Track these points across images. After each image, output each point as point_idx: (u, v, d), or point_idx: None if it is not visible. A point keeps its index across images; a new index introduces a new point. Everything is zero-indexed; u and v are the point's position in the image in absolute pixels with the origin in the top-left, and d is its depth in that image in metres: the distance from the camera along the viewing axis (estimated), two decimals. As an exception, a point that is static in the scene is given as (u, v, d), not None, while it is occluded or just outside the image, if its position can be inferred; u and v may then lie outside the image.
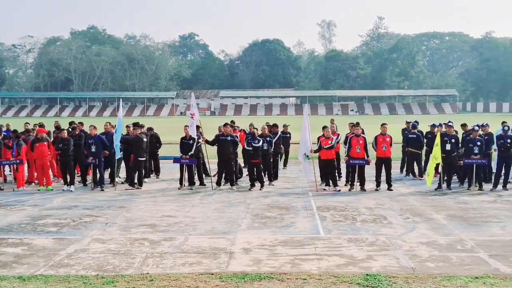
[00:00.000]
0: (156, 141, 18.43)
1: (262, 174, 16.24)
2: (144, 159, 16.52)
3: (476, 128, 16.00)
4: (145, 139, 16.67)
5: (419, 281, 7.66)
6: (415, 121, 18.63)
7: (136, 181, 16.35)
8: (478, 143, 15.56)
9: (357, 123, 16.85)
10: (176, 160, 16.66)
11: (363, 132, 16.86)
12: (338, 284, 7.54)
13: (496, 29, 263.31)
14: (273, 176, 17.34)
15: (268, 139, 16.46)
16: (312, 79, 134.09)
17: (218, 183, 16.28)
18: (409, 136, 18.06)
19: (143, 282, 7.66)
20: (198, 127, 16.83)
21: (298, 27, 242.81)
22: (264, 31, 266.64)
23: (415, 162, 18.29)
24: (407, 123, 19.33)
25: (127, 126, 17.84)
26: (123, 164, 17.61)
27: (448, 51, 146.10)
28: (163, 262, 8.63)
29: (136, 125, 17.19)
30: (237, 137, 16.97)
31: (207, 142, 16.31)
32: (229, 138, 16.14)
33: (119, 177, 17.56)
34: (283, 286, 7.49)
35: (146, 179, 17.42)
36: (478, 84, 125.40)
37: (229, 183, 16.31)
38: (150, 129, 18.35)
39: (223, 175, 16.47)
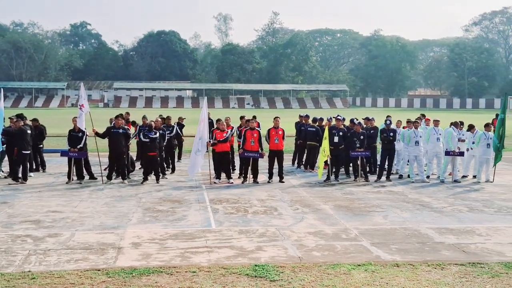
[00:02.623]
0: (40, 133, 17.56)
1: (158, 167, 16.02)
2: (29, 152, 15.73)
3: (356, 121, 16.88)
4: (29, 131, 15.86)
5: (305, 269, 7.88)
6: (331, 117, 18.96)
7: (20, 175, 15.53)
8: (361, 137, 16.26)
9: (253, 117, 17.06)
10: (63, 153, 16.02)
11: (258, 126, 17.10)
12: (227, 275, 7.59)
13: (383, 27, 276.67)
14: (171, 169, 17.20)
15: (161, 132, 16.23)
16: (209, 72, 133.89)
17: (109, 177, 15.85)
18: (308, 129, 18.47)
19: (25, 281, 7.29)
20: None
21: (194, 20, 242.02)
22: (159, 22, 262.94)
23: (310, 155, 18.65)
24: (301, 117, 19.82)
25: (10, 118, 16.87)
26: (6, 158, 16.67)
27: (339, 47, 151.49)
28: (46, 259, 8.27)
29: (19, 116, 16.30)
30: (129, 130, 16.59)
31: (97, 134, 15.80)
32: (121, 130, 15.76)
33: (2, 171, 16.64)
34: (172, 279, 7.43)
35: (32, 173, 16.62)
36: (367, 80, 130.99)
37: (120, 177, 15.92)
38: (34, 120, 17.49)
39: (114, 168, 16.05)
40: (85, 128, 15.90)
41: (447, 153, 16.27)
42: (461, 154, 16.47)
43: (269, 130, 16.43)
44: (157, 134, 15.77)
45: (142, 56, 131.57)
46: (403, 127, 17.41)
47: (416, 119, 17.74)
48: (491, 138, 16.35)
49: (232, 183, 15.81)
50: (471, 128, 17.20)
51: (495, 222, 11.07)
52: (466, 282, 7.42)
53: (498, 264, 8.20)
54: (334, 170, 16.49)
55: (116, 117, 16.15)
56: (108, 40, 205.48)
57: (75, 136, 15.77)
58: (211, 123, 21.08)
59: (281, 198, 13.55)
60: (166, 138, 16.84)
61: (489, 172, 16.47)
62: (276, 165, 16.19)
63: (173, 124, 18.60)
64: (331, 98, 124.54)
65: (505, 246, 9.28)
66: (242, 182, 15.94)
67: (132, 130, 17.90)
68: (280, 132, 16.25)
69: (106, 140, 16.03)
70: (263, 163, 16.92)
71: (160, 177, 16.07)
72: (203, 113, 16.00)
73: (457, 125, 17.01)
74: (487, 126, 16.75)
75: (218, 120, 16.92)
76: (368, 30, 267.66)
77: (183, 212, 11.76)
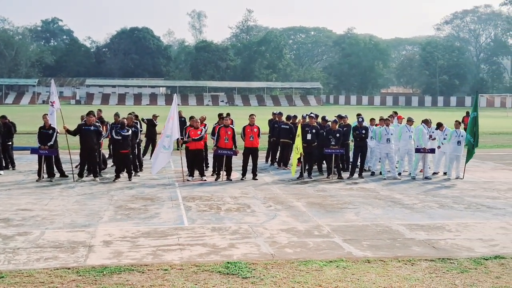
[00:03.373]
0: (8, 131, 17.25)
1: (131, 165, 15.89)
2: (-2, 149, 15.46)
3: (327, 118, 16.99)
4: (-2, 128, 15.59)
5: (278, 266, 7.91)
6: (306, 115, 18.88)
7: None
8: (337, 135, 16.35)
9: (228, 114, 17.02)
10: (33, 150, 15.78)
11: (232, 123, 17.07)
12: (199, 273, 7.57)
13: (357, 26, 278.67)
14: (138, 166, 17.03)
15: (133, 129, 16.09)
16: (183, 69, 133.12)
17: (80, 175, 15.66)
18: (282, 126, 18.49)
19: (-8, 281, 7.17)
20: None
21: (168, 17, 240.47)
22: (133, 19, 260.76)
23: (284, 152, 18.66)
24: (274, 114, 19.85)
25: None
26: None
27: (313, 45, 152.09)
28: (16, 258, 8.14)
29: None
30: (100, 127, 16.40)
31: (68, 132, 15.58)
32: (92, 128, 15.57)
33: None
34: (144, 277, 7.38)
35: (1, 171, 16.34)
36: (340, 78, 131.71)
37: (92, 175, 15.74)
38: (3, 117, 17.19)
39: (86, 166, 15.88)
40: (56, 125, 15.68)
41: (418, 150, 16.47)
42: (432, 151, 16.69)
43: (244, 128, 16.41)
44: (130, 132, 15.64)
45: (115, 53, 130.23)
46: (376, 125, 17.57)
47: (388, 116, 17.91)
48: (462, 136, 16.59)
49: (205, 180, 15.76)
50: (439, 126, 17.42)
51: (465, 218, 11.24)
52: (436, 278, 7.52)
53: (467, 260, 8.33)
54: (307, 167, 16.56)
55: (88, 114, 15.96)
56: (80, 37, 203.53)
57: (46, 133, 15.55)
58: (183, 121, 20.99)
59: (254, 196, 13.56)
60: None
61: (459, 169, 16.72)
62: (250, 162, 16.18)
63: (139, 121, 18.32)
64: (305, 95, 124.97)
65: (474, 242, 9.43)
66: (216, 180, 15.91)
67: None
68: (256, 130, 16.24)
69: (77, 138, 15.82)
70: (237, 161, 16.91)
71: (133, 174, 15.94)
72: (172, 110, 15.87)
73: (428, 122, 17.22)
74: (457, 123, 16.99)
75: (191, 118, 16.84)
76: (342, 28, 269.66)
77: (156, 210, 11.69)
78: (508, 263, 8.18)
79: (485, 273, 7.71)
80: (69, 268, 7.68)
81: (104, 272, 7.52)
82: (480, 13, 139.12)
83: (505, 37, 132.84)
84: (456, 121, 17.23)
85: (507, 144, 28.96)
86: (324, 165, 17.40)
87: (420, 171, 16.83)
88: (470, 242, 9.41)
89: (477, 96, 17.64)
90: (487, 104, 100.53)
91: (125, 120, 16.12)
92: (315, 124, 16.83)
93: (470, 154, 16.60)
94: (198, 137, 15.80)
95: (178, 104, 16.89)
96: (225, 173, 15.95)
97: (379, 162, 17.36)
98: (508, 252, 8.77)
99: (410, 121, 16.98)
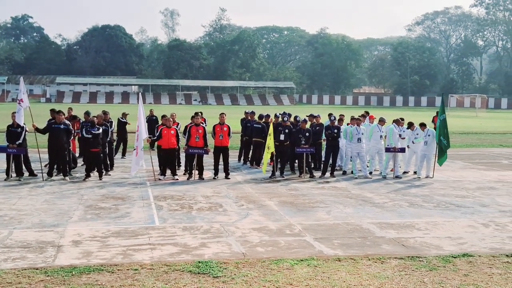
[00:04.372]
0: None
1: (101, 164, 15.71)
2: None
3: (298, 118, 17.08)
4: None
5: (249, 265, 7.90)
6: (279, 114, 18.90)
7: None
8: (307, 134, 16.43)
9: (200, 113, 16.95)
10: (1, 149, 15.50)
11: (205, 122, 17.01)
12: (170, 272, 7.52)
13: (330, 26, 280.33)
14: (109, 165, 16.85)
15: (103, 127, 15.92)
16: (155, 68, 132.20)
17: (50, 174, 15.43)
18: (254, 126, 18.49)
19: (-43, 282, 7.02)
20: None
21: (140, 15, 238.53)
22: (104, 16, 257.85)
23: (256, 151, 18.65)
24: (246, 113, 19.85)
25: None
26: None
27: (286, 45, 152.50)
28: (-18, 259, 7.98)
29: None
30: (70, 125, 16.17)
31: (37, 130, 15.34)
32: (62, 126, 15.35)
33: None
34: (113, 278, 7.31)
35: (-32, 170, 16.01)
36: (313, 77, 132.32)
37: (61, 174, 15.52)
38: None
39: (55, 165, 15.65)
40: (24, 124, 15.43)
41: (388, 149, 16.63)
42: (402, 150, 16.86)
43: (214, 126, 16.37)
44: (100, 130, 15.47)
45: (86, 51, 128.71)
46: (347, 124, 17.69)
47: (359, 116, 18.06)
48: (429, 135, 16.76)
49: (177, 179, 15.69)
50: (410, 125, 17.61)
51: (434, 217, 11.39)
52: (405, 276, 7.60)
53: (436, 258, 8.44)
54: (279, 166, 16.61)
55: (58, 112, 15.73)
56: (51, 34, 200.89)
57: (14, 132, 15.28)
58: (155, 120, 20.81)
59: (226, 195, 13.54)
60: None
61: (429, 168, 16.93)
62: (222, 162, 16.14)
63: (111, 120, 18.13)
64: (278, 95, 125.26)
65: (442, 240, 9.57)
66: (188, 179, 15.84)
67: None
68: (225, 129, 16.20)
69: (46, 136, 15.59)
70: (209, 160, 16.86)
71: (103, 173, 15.78)
72: (140, 110, 15.73)
73: (399, 122, 17.40)
74: (422, 125, 17.19)
75: (163, 116, 16.73)
76: (315, 28, 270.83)
77: (126, 209, 11.58)
78: (476, 261, 8.31)
79: (454, 271, 7.82)
80: (37, 269, 7.56)
81: (73, 272, 7.43)
82: (451, 15, 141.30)
83: (475, 38, 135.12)
84: (421, 123, 17.42)
85: (476, 143, 29.46)
86: (296, 164, 17.44)
87: (391, 170, 17.00)
88: (439, 240, 9.54)
89: (443, 98, 17.75)
90: (457, 104, 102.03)
91: (95, 118, 15.94)
92: (288, 124, 16.88)
93: (444, 156, 16.67)
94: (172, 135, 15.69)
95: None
96: (197, 172, 15.89)
97: (351, 161, 17.49)
98: (476, 250, 8.91)
99: (382, 121, 17.17)
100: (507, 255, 8.61)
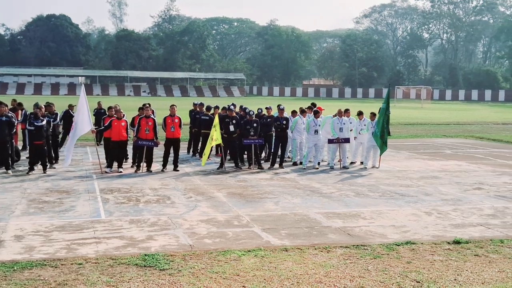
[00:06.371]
0: None
1: (46, 156, 15.32)
2: None
3: (248, 110, 17.10)
4: None
5: (196, 257, 7.88)
6: (233, 104, 18.82)
7: None
8: (254, 125, 16.47)
9: (148, 104, 16.74)
10: None
11: (153, 113, 16.81)
12: (115, 266, 7.42)
13: (279, 17, 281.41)
14: (54, 158, 16.46)
15: (47, 119, 15.51)
16: (103, 59, 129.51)
17: (-9, 167, 14.96)
18: (202, 117, 18.39)
19: None
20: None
21: (87, 4, 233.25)
22: (49, 6, 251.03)
23: (205, 143, 18.51)
24: (195, 105, 19.75)
25: None
26: None
27: (236, 36, 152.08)
28: None
29: None
30: (13, 117, 15.69)
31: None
32: (4, 118, 14.89)
33: None
34: (57, 272, 7.15)
35: None
36: (263, 69, 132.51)
37: (4, 167, 15.05)
38: None
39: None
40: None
41: (330, 141, 16.80)
42: (347, 141, 17.03)
43: (165, 118, 16.19)
44: (44, 122, 15.08)
45: (30, 41, 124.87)
46: (292, 115, 17.90)
47: (306, 108, 18.27)
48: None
49: (121, 172, 15.45)
50: (360, 114, 17.85)
51: (379, 206, 11.63)
52: (350, 264, 7.74)
53: (380, 246, 8.62)
54: (229, 158, 16.61)
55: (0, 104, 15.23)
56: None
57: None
58: (104, 112, 20.44)
59: (174, 187, 13.44)
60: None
61: (375, 158, 17.26)
62: (171, 153, 16.01)
63: (56, 112, 17.70)
64: (228, 86, 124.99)
65: (387, 228, 9.78)
66: (135, 171, 15.64)
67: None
68: (177, 120, 16.06)
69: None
70: (157, 152, 16.69)
71: (48, 166, 15.40)
72: (81, 101, 15.42)
73: (341, 113, 17.46)
74: (372, 115, 17.47)
75: (110, 108, 16.45)
76: (265, 19, 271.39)
77: (71, 203, 11.35)
78: (418, 249, 8.53)
79: (397, 258, 8.01)
80: (-24, 265, 7.33)
81: (15, 268, 7.24)
82: (397, 7, 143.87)
83: (421, 31, 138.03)
84: (372, 112, 17.72)
85: (421, 134, 30.22)
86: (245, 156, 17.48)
87: (339, 161, 17.23)
88: (383, 228, 9.75)
89: (389, 90, 17.99)
90: (403, 95, 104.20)
91: (38, 110, 15.51)
92: (234, 114, 16.89)
93: (380, 145, 16.79)
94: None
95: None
96: (145, 164, 15.70)
97: (300, 152, 17.62)
98: (418, 238, 9.15)
99: (316, 113, 17.22)
100: (448, 242, 8.88)
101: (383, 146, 16.84)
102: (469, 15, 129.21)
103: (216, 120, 15.83)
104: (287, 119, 17.05)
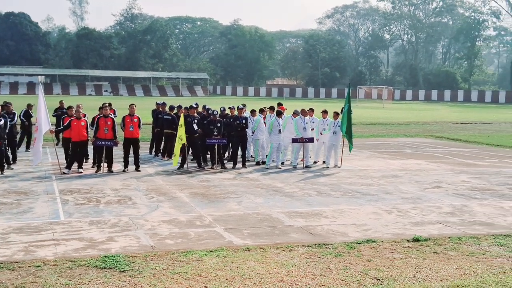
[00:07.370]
0: None
1: (3, 157, 14.94)
2: None
3: (211, 111, 17.03)
4: None
5: (157, 258, 7.81)
6: (196, 104, 18.65)
7: None
8: (218, 125, 16.43)
9: (109, 104, 16.51)
10: None
11: (115, 113, 16.58)
12: (74, 268, 7.29)
13: (243, 17, 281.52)
14: (12, 159, 16.08)
15: (3, 119, 15.12)
16: (63, 57, 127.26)
17: None
18: (165, 117, 18.23)
19: None
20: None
21: (47, 2, 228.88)
22: (8, 3, 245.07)
23: (168, 143, 18.39)
24: (157, 104, 19.58)
25: None
26: None
27: (199, 35, 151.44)
28: None
29: None
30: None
31: None
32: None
33: None
34: (14, 275, 6.99)
35: None
36: (227, 69, 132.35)
37: (-41, 168, 14.65)
38: None
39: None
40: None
41: (294, 140, 16.89)
42: (310, 140, 17.16)
43: (124, 118, 15.99)
44: (1, 122, 14.72)
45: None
46: (251, 114, 18.01)
47: (268, 108, 18.35)
48: (338, 126, 17.22)
49: (81, 172, 15.21)
50: (324, 113, 17.99)
51: (341, 205, 11.73)
52: (312, 263, 7.78)
53: (342, 244, 8.70)
54: (192, 158, 16.52)
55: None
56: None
57: None
58: (65, 112, 20.04)
59: (136, 187, 13.30)
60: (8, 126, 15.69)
61: (337, 158, 17.41)
62: (132, 154, 15.83)
63: (14, 111, 17.31)
64: (192, 86, 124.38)
65: (348, 227, 9.88)
66: (96, 172, 15.42)
67: None
68: (136, 120, 15.89)
69: None
70: (118, 152, 16.49)
71: (5, 167, 15.04)
72: (40, 100, 15.14)
73: (305, 113, 17.57)
74: (335, 114, 17.62)
75: (70, 107, 16.18)
76: (228, 19, 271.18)
77: (29, 204, 11.12)
78: (379, 247, 8.64)
79: (358, 257, 8.10)
80: None
81: (-31, 272, 7.04)
82: (359, 8, 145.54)
83: (382, 32, 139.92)
84: (335, 112, 17.86)
85: (382, 133, 30.65)
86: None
87: (301, 160, 17.33)
88: (344, 227, 9.84)
89: (349, 89, 18.13)
90: (365, 96, 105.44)
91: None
92: (196, 114, 16.83)
93: (351, 144, 17.11)
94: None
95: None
96: (106, 165, 15.49)
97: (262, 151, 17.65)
98: (379, 236, 9.27)
99: (295, 113, 17.32)
100: (408, 240, 9.02)
101: (350, 145, 17.09)
102: (429, 16, 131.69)
103: (182, 120, 15.72)
104: (246, 119, 17.07)
